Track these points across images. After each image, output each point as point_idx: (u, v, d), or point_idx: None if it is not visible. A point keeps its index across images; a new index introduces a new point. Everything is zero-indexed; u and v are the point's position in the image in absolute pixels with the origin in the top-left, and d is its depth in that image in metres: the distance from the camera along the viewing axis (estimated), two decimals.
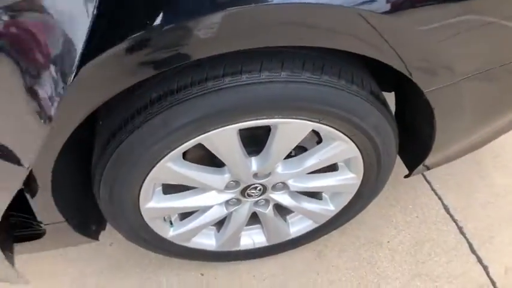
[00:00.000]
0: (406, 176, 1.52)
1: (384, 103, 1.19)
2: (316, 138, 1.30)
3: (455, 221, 1.82)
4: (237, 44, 0.90)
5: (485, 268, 1.70)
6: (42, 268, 1.73)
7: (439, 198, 1.88)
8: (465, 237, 1.78)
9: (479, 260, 1.72)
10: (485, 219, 1.82)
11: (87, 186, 1.25)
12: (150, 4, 0.82)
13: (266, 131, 1.16)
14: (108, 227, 1.51)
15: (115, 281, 1.69)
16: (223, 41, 0.88)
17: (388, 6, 0.91)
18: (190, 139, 1.07)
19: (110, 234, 1.75)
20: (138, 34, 0.82)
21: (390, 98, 1.35)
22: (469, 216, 1.83)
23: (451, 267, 1.70)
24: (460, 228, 1.80)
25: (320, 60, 1.04)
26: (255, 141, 1.21)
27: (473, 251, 1.74)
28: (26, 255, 1.71)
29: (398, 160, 1.50)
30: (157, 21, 0.82)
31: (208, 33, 0.86)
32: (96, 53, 0.82)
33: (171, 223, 1.41)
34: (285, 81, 1.00)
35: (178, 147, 1.08)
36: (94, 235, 1.44)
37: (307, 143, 1.31)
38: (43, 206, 1.19)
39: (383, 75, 1.24)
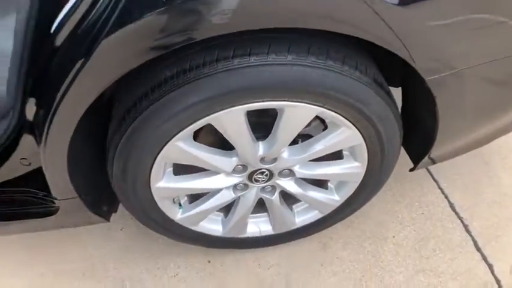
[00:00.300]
0: (411, 170, 1.55)
1: (388, 92, 1.22)
2: (323, 126, 1.34)
3: (461, 218, 1.83)
4: (246, 24, 0.96)
5: (490, 266, 1.71)
6: (51, 251, 1.80)
7: (446, 197, 1.90)
8: (470, 235, 1.79)
9: (484, 258, 1.73)
10: (491, 218, 1.84)
11: (102, 165, 1.31)
12: None
13: (274, 118, 1.21)
14: (119, 212, 1.58)
15: (124, 263, 1.75)
16: (234, 20, 0.94)
17: None
18: (201, 118, 1.12)
19: (121, 220, 1.82)
20: (155, 11, 0.88)
21: (397, 94, 1.39)
22: (475, 214, 1.85)
23: (456, 264, 1.72)
24: (465, 226, 1.81)
25: (325, 46, 1.08)
26: (263, 128, 1.26)
27: (478, 249, 1.76)
28: (34, 238, 1.79)
29: (406, 158, 1.54)
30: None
31: (221, 12, 0.91)
32: (116, 28, 0.89)
33: (180, 205, 1.46)
34: (290, 64, 1.05)
35: (189, 126, 1.13)
36: (106, 215, 1.49)
37: (313, 131, 1.35)
38: (58, 180, 1.24)
39: (390, 70, 1.28)
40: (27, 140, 1.17)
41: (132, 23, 0.89)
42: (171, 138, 1.16)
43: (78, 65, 0.95)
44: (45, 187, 1.31)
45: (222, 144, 1.29)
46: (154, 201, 1.36)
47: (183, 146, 1.19)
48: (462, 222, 1.83)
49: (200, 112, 1.10)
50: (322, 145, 1.29)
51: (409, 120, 1.38)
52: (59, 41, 0.98)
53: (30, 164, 1.26)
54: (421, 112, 1.34)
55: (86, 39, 0.93)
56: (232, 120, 1.15)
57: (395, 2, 0.97)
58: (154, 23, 0.91)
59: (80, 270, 1.74)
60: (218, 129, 1.17)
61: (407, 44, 1.05)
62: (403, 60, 1.09)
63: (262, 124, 1.25)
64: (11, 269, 1.76)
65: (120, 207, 1.56)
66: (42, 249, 1.80)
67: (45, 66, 1.03)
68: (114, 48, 0.93)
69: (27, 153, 1.22)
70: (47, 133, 1.10)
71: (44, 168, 1.21)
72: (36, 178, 1.29)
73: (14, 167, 1.26)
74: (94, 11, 0.91)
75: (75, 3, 0.94)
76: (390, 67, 1.26)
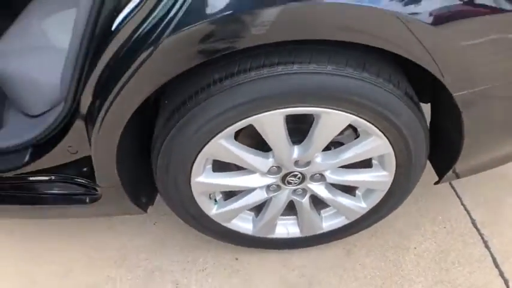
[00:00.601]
0: (436, 183, 1.61)
1: (418, 106, 1.30)
2: (355, 135, 1.42)
3: (481, 235, 1.88)
4: (291, 35, 1.06)
5: (506, 282, 1.76)
6: (87, 238, 1.92)
7: (468, 213, 1.95)
8: (490, 251, 1.84)
9: (501, 274, 1.78)
10: (511, 237, 1.88)
11: (145, 158, 1.41)
12: None
13: (309, 125, 1.30)
14: (153, 208, 1.68)
15: (155, 255, 1.85)
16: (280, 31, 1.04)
17: (430, 19, 1.05)
18: (243, 119, 1.22)
19: (154, 215, 1.93)
20: (211, 19, 1.00)
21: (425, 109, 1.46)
22: (495, 232, 1.89)
23: (473, 278, 1.77)
24: (485, 242, 1.86)
25: (362, 59, 1.17)
26: (299, 133, 1.35)
27: (496, 265, 1.80)
28: (72, 226, 1.93)
29: (432, 173, 1.61)
30: (229, 8, 1.00)
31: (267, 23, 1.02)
32: (178, 29, 1.00)
33: (216, 201, 1.55)
34: (329, 73, 1.14)
35: (231, 125, 1.23)
36: (144, 207, 1.59)
37: (345, 139, 1.44)
38: (105, 168, 1.35)
39: (420, 84, 1.36)
40: (77, 129, 1.28)
41: (193, 26, 1.00)
42: (215, 135, 1.25)
43: (139, 61, 1.06)
44: (89, 175, 1.41)
45: (258, 148, 1.38)
46: (193, 195, 1.45)
47: (225, 144, 1.29)
48: (482, 238, 1.88)
49: (244, 113, 1.20)
50: (353, 152, 1.37)
51: (436, 133, 1.45)
52: (121, 38, 1.08)
53: (76, 152, 1.35)
54: (447, 126, 1.42)
55: (148, 38, 1.03)
56: (272, 123, 1.24)
57: (429, 21, 1.05)
58: (211, 29, 1.02)
59: (112, 258, 1.85)
60: (258, 130, 1.27)
61: (438, 61, 1.13)
62: (433, 76, 1.17)
63: (298, 130, 1.35)
64: (48, 253, 1.88)
65: (155, 202, 1.68)
66: (79, 236, 1.92)
67: (103, 61, 1.13)
68: (174, 47, 1.04)
69: (75, 142, 1.32)
70: (101, 124, 1.21)
71: (93, 156, 1.32)
72: (79, 166, 1.40)
73: (61, 154, 1.36)
74: (157, 12, 1.02)
75: (138, 4, 1.04)
76: (421, 82, 1.34)
